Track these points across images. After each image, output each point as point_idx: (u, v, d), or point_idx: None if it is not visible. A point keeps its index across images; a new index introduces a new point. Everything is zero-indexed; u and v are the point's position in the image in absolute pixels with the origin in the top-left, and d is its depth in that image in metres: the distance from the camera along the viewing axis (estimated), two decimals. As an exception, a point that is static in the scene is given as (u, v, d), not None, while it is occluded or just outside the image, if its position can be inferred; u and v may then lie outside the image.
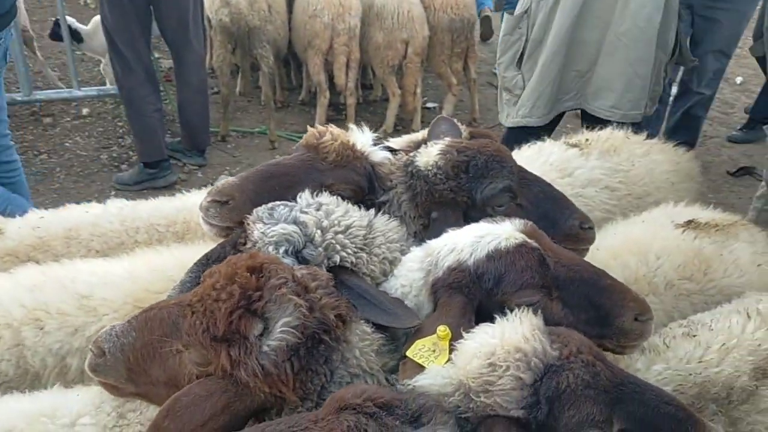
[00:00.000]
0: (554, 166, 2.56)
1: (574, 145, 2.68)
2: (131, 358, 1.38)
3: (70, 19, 5.60)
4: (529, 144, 2.73)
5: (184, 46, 4.90)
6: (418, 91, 5.82)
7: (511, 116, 3.51)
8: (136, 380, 1.41)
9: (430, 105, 6.52)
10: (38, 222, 2.23)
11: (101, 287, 1.84)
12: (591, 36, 3.21)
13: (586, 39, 3.22)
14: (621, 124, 3.03)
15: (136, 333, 1.39)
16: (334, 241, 1.58)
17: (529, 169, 1.97)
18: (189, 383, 1.31)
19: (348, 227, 1.62)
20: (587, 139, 2.73)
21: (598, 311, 1.53)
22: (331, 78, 5.58)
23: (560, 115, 3.51)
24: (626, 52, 3.19)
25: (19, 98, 5.43)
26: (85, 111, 6.09)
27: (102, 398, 1.49)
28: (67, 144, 5.55)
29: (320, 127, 1.91)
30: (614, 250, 2.14)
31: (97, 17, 5.69)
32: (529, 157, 2.57)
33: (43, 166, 5.19)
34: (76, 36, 5.63)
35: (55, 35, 5.65)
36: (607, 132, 2.82)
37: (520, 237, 1.52)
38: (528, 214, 1.77)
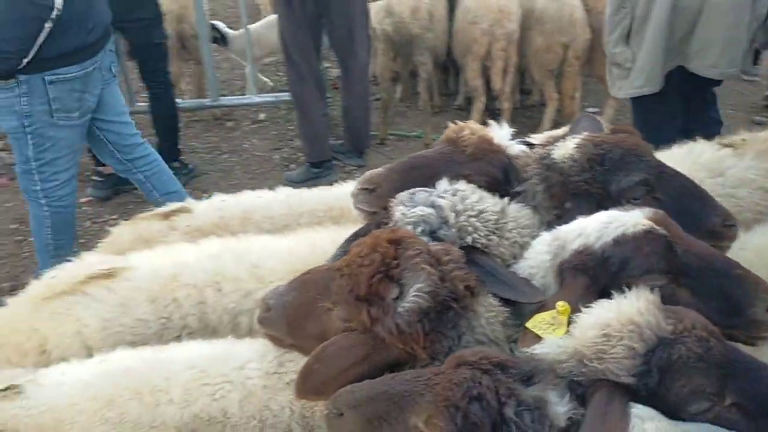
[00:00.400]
0: (704, 165, 2.50)
1: (728, 145, 2.61)
2: (291, 314, 1.63)
3: (220, 24, 6.20)
4: (678, 143, 2.70)
5: (350, 55, 5.26)
6: (577, 95, 5.76)
7: (623, 88, 3.83)
8: (294, 333, 1.65)
9: (590, 110, 6.41)
10: (220, 204, 2.59)
11: (269, 259, 2.12)
12: (691, 3, 3.54)
13: (686, 6, 3.56)
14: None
15: (296, 292, 1.64)
16: (467, 224, 1.73)
17: (678, 168, 1.99)
18: (336, 336, 1.53)
19: (481, 212, 1.77)
20: (743, 139, 2.64)
21: (728, 301, 1.55)
22: (488, 82, 5.70)
23: (674, 81, 3.76)
24: (721, 19, 3.54)
25: (208, 103, 6.11)
26: (261, 116, 6.70)
27: (266, 348, 1.74)
28: (245, 145, 6.15)
29: (460, 123, 2.07)
30: (760, 249, 2.08)
31: (251, 26, 6.28)
32: (678, 156, 2.55)
33: (224, 165, 5.80)
34: (223, 39, 6.23)
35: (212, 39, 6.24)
36: (765, 133, 2.71)
37: (648, 224, 1.57)
38: (665, 209, 1.80)
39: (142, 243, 2.47)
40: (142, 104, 5.87)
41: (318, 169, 5.34)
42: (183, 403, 1.63)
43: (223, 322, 2.04)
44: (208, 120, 6.65)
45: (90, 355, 1.88)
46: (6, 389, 1.61)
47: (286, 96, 5.97)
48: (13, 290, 4.05)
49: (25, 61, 3.20)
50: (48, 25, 3.13)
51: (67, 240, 3.81)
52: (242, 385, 1.67)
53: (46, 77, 3.30)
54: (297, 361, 1.70)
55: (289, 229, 2.45)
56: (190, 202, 2.64)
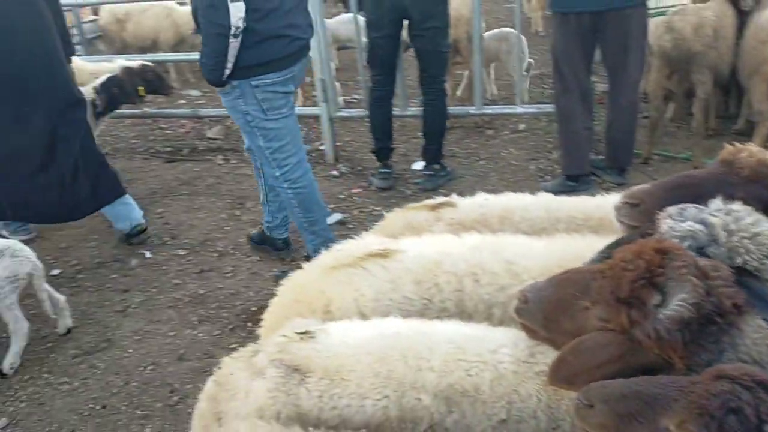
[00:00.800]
0: None
1: None
2: (548, 308, 1.73)
3: None
4: None
5: (621, 69, 5.16)
6: None
7: None
8: (548, 327, 1.75)
9: None
10: (482, 202, 2.78)
11: (525, 258, 2.24)
12: None
13: None
14: None
15: (554, 288, 1.74)
16: (739, 245, 1.68)
17: None
18: (590, 334, 1.60)
19: (756, 234, 1.70)
20: None
21: None
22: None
23: None
24: None
25: (473, 111, 6.39)
26: (521, 126, 6.85)
27: (519, 337, 1.86)
28: (503, 153, 6.33)
29: (738, 145, 2.00)
30: None
31: None
32: None
33: (481, 170, 6.04)
34: None
35: None
36: None
37: None
38: None
39: (410, 229, 2.75)
40: (414, 109, 6.35)
41: (574, 183, 5.32)
42: (441, 372, 1.81)
43: (478, 311, 2.20)
44: (470, 127, 6.96)
45: (363, 320, 2.15)
46: (304, 333, 1.94)
47: (549, 108, 6.03)
48: (293, 261, 4.70)
49: (227, 71, 3.75)
50: (233, 41, 3.63)
51: (318, 216, 4.32)
52: (494, 367, 1.81)
53: (251, 82, 3.85)
54: (547, 354, 1.80)
55: (546, 233, 2.54)
56: (455, 198, 2.87)
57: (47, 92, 4.69)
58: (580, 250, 2.16)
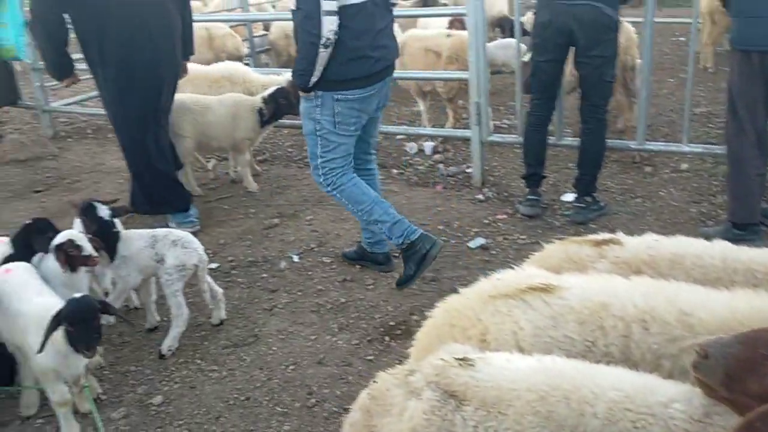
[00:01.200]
0: None
1: None
2: (732, 366, 1.62)
3: None
4: None
5: (806, 114, 4.76)
6: None
7: None
8: (730, 386, 1.63)
9: None
10: (652, 243, 2.64)
11: (701, 309, 2.10)
12: None
13: None
14: None
15: (742, 346, 1.62)
16: None
17: None
18: (783, 403, 1.47)
19: None
20: None
21: None
22: None
23: None
24: None
25: (633, 146, 6.07)
26: (683, 166, 6.46)
27: (693, 394, 1.74)
28: (661, 193, 6.00)
29: None
30: None
31: None
32: None
33: (636, 209, 5.75)
34: None
35: None
36: None
37: None
38: None
39: (571, 263, 2.67)
40: (569, 139, 6.18)
41: (741, 232, 4.93)
42: (605, 420, 1.73)
43: (645, 360, 2.09)
44: (626, 162, 6.67)
45: (521, 354, 2.10)
46: (462, 359, 1.93)
47: (717, 149, 5.65)
48: (433, 281, 4.72)
49: (314, 79, 4.06)
50: (323, 51, 3.95)
51: (372, 204, 4.44)
52: (664, 422, 1.71)
53: (334, 96, 4.18)
54: (725, 416, 1.68)
55: (720, 284, 2.37)
56: (621, 236, 2.75)
57: (168, 86, 5.50)
58: (766, 308, 2.00)
